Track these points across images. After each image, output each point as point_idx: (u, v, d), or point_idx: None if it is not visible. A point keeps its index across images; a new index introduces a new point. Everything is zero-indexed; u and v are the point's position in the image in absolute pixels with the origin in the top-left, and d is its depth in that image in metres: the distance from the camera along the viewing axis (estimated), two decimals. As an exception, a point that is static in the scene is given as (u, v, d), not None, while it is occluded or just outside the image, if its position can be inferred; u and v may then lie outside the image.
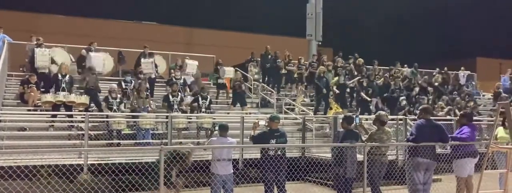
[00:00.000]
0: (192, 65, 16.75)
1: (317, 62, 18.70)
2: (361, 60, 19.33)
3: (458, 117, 9.08)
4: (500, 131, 9.18)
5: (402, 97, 16.77)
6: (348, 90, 17.05)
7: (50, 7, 30.41)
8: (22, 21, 26.70)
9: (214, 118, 12.85)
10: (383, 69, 20.44)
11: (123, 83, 14.01)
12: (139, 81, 14.17)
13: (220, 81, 16.98)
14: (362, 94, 16.37)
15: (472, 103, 18.06)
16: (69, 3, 33.56)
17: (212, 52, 21.11)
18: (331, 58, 20.10)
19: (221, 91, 17.06)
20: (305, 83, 18.43)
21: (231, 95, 16.36)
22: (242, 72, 17.81)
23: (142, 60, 15.75)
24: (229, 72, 16.99)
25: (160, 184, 5.99)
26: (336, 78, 16.62)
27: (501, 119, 8.99)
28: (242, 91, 15.84)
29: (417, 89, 18.40)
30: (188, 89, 15.66)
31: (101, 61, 15.52)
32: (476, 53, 38.62)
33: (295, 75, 18.30)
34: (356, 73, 18.26)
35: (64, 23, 28.37)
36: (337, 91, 16.16)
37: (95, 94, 13.12)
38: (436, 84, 19.69)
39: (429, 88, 19.15)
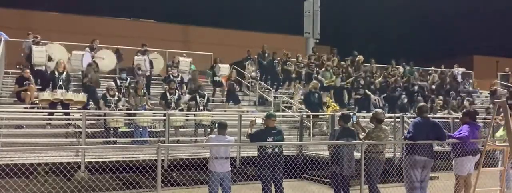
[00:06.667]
0: (185, 62, 16.78)
1: (315, 63, 18.73)
2: (361, 58, 19.40)
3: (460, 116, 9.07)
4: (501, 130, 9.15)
5: (404, 95, 16.92)
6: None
7: (46, 5, 30.27)
8: (17, 18, 26.60)
9: (212, 116, 12.85)
10: (379, 67, 20.51)
11: (118, 81, 14.02)
12: (136, 79, 14.16)
13: (216, 78, 16.98)
14: (360, 91, 16.52)
15: (467, 103, 18.12)
16: (65, 0, 33.39)
17: (209, 50, 21.09)
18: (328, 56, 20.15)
19: (217, 89, 17.06)
20: (303, 81, 18.47)
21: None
22: (240, 70, 17.81)
23: (136, 57, 15.81)
24: (224, 69, 16.98)
25: (157, 182, 5.98)
26: (334, 78, 16.83)
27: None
28: (234, 89, 15.89)
29: (415, 87, 18.48)
30: (185, 87, 15.68)
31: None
32: (473, 51, 38.68)
33: (293, 75, 18.30)
34: (352, 71, 18.39)
35: (60, 21, 28.27)
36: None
37: (93, 91, 13.11)
38: (433, 86, 19.71)
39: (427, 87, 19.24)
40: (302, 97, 16.65)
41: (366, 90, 16.91)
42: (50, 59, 14.09)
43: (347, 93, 17.36)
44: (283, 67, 18.20)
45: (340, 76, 17.55)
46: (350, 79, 17.45)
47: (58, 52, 15.14)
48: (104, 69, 16.29)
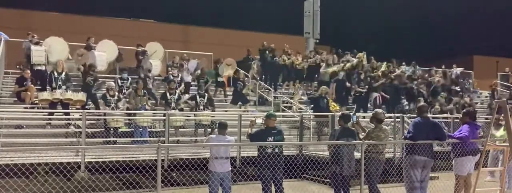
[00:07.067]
0: (194, 64, 16.89)
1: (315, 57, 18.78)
2: (361, 55, 19.45)
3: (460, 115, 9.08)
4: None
5: (406, 102, 16.90)
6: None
7: (46, 5, 30.23)
8: (17, 18, 26.58)
9: (212, 116, 12.85)
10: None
11: (119, 81, 14.01)
12: (136, 80, 14.17)
13: (219, 79, 16.96)
14: (361, 84, 16.60)
15: (467, 99, 18.15)
16: (65, 0, 33.34)
17: (209, 50, 21.08)
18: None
19: (219, 89, 17.03)
20: (303, 81, 18.47)
21: (229, 92, 16.44)
22: (242, 71, 17.79)
23: (151, 61, 15.97)
24: (227, 70, 16.98)
25: (157, 182, 5.98)
26: (335, 68, 16.95)
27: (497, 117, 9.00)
28: (241, 90, 15.88)
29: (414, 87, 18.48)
30: (184, 87, 15.64)
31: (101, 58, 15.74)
32: (473, 51, 38.62)
33: (297, 64, 18.28)
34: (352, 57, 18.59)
35: (60, 21, 28.22)
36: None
37: (92, 91, 13.12)
38: (438, 81, 19.76)
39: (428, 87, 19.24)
40: (303, 98, 16.70)
41: (367, 85, 16.90)
42: (49, 62, 14.09)
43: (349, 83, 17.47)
44: (283, 59, 18.19)
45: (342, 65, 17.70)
46: (355, 59, 17.59)
47: (58, 45, 15.01)
48: (110, 59, 16.36)
